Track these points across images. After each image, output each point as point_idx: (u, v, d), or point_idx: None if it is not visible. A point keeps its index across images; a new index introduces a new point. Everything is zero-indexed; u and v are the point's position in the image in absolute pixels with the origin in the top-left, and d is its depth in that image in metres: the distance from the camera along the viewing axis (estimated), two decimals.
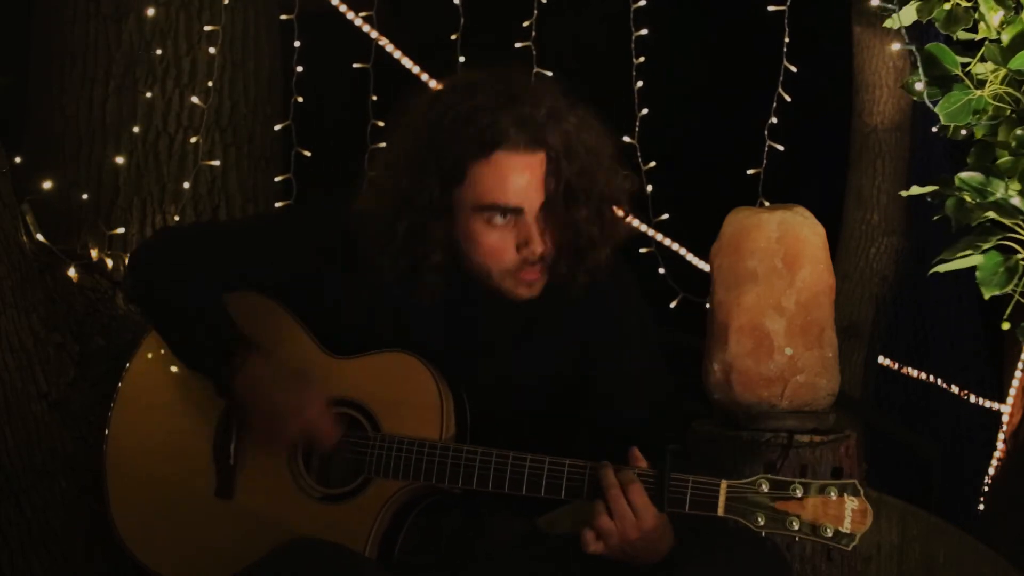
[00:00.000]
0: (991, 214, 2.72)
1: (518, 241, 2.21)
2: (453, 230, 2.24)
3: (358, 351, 2.30)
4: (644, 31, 3.82)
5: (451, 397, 2.24)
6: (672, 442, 2.14)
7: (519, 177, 2.18)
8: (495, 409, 2.28)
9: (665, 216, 4.00)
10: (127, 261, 3.08)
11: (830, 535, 2.06)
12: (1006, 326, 2.73)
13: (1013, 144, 2.75)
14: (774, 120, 3.81)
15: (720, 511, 2.09)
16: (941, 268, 2.84)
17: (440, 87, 2.34)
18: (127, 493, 2.41)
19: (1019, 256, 2.71)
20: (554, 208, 2.21)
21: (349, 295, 2.34)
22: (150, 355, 2.45)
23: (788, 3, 3.65)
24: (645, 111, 3.86)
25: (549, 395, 2.33)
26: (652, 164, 3.85)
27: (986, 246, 2.72)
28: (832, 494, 2.07)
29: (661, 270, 4.04)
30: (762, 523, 2.08)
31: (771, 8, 3.67)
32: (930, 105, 2.75)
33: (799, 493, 2.08)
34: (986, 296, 2.70)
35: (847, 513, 2.07)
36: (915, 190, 3.03)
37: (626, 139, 3.83)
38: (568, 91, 2.28)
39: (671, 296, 4.03)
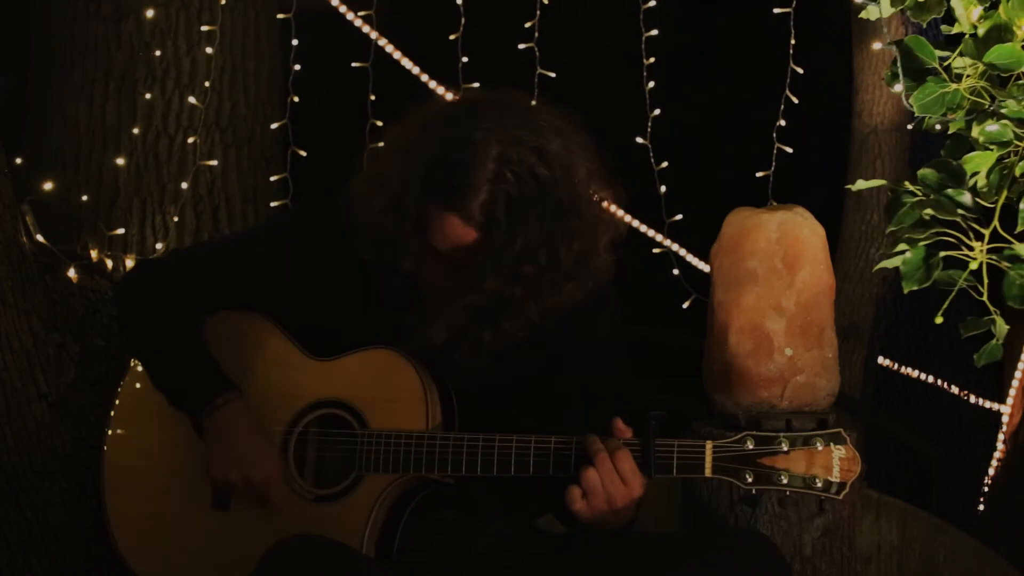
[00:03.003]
0: (929, 211, 2.69)
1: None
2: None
3: (341, 351, 2.30)
4: (654, 31, 3.82)
5: (435, 388, 2.25)
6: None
7: (458, 240, 2.14)
8: (478, 399, 2.29)
9: (679, 217, 3.98)
10: (112, 295, 3.05)
11: (820, 486, 2.06)
12: (939, 320, 2.68)
13: (981, 139, 2.71)
14: (782, 122, 3.81)
15: (707, 472, 2.09)
16: (884, 264, 2.81)
17: (445, 110, 2.27)
18: (126, 509, 2.41)
19: (943, 253, 2.67)
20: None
21: (330, 295, 2.34)
22: (141, 370, 2.45)
23: (793, 4, 3.65)
24: (657, 111, 3.86)
25: (524, 389, 2.33)
26: (664, 164, 3.85)
27: (921, 239, 2.69)
28: (818, 445, 2.07)
29: (676, 271, 4.04)
30: (750, 480, 2.08)
31: (777, 10, 3.67)
32: (906, 102, 2.72)
33: (785, 447, 2.08)
34: (905, 290, 2.67)
35: (835, 462, 2.06)
36: (860, 184, 3.00)
37: (639, 140, 3.83)
38: (565, 115, 2.21)
39: (681, 296, 4.02)
